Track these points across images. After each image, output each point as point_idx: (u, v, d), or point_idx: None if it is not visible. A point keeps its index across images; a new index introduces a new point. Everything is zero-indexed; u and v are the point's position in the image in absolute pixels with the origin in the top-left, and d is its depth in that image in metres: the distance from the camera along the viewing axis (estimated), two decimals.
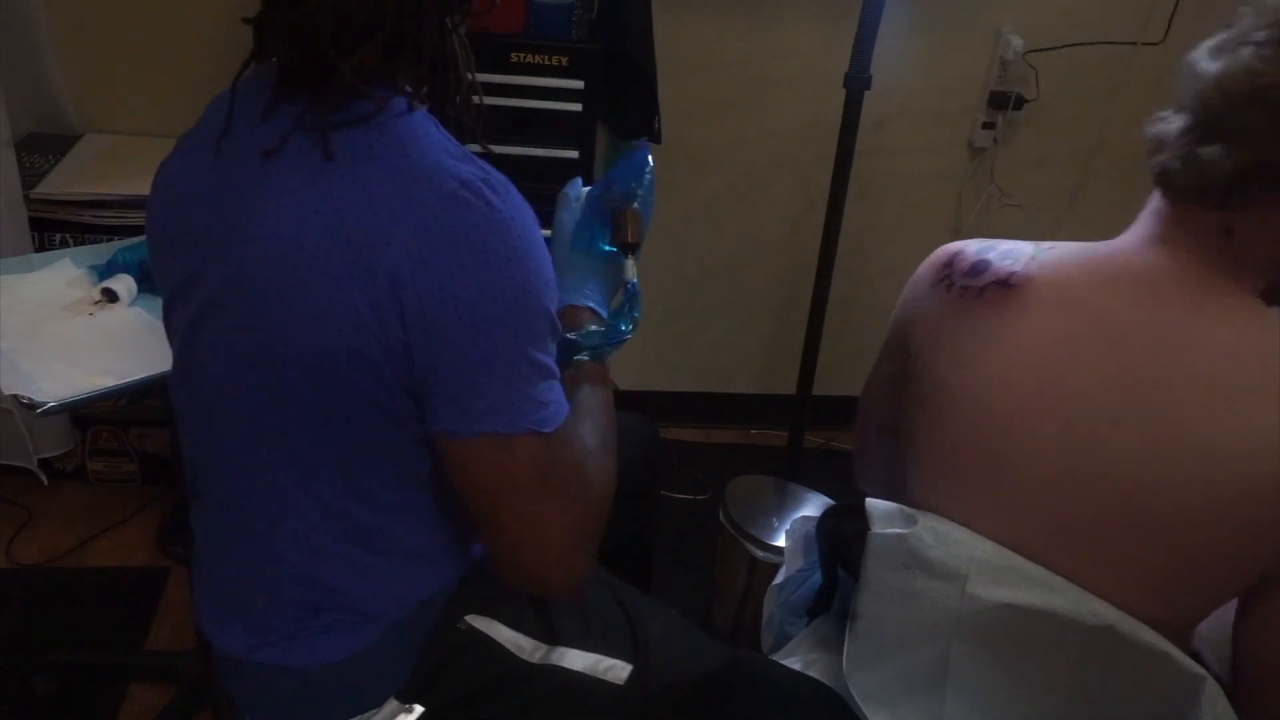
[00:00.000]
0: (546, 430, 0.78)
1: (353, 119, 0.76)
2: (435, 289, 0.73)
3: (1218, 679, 0.85)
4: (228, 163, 0.81)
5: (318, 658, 0.87)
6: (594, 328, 0.99)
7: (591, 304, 1.01)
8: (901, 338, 1.02)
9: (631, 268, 1.02)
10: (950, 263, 0.97)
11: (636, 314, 1.00)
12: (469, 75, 0.86)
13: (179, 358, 0.90)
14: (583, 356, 0.96)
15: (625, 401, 2.50)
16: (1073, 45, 2.07)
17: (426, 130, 0.80)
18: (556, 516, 0.81)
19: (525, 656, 0.93)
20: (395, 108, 0.78)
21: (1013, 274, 0.92)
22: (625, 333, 0.99)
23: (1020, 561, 0.88)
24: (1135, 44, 2.09)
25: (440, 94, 0.84)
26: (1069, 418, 0.86)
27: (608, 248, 1.04)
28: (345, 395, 0.78)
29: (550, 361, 0.80)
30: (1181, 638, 0.87)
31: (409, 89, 0.81)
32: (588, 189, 1.06)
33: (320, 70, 0.76)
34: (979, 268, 0.95)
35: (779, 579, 1.20)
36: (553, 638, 0.94)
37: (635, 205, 1.04)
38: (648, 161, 1.04)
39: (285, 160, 0.77)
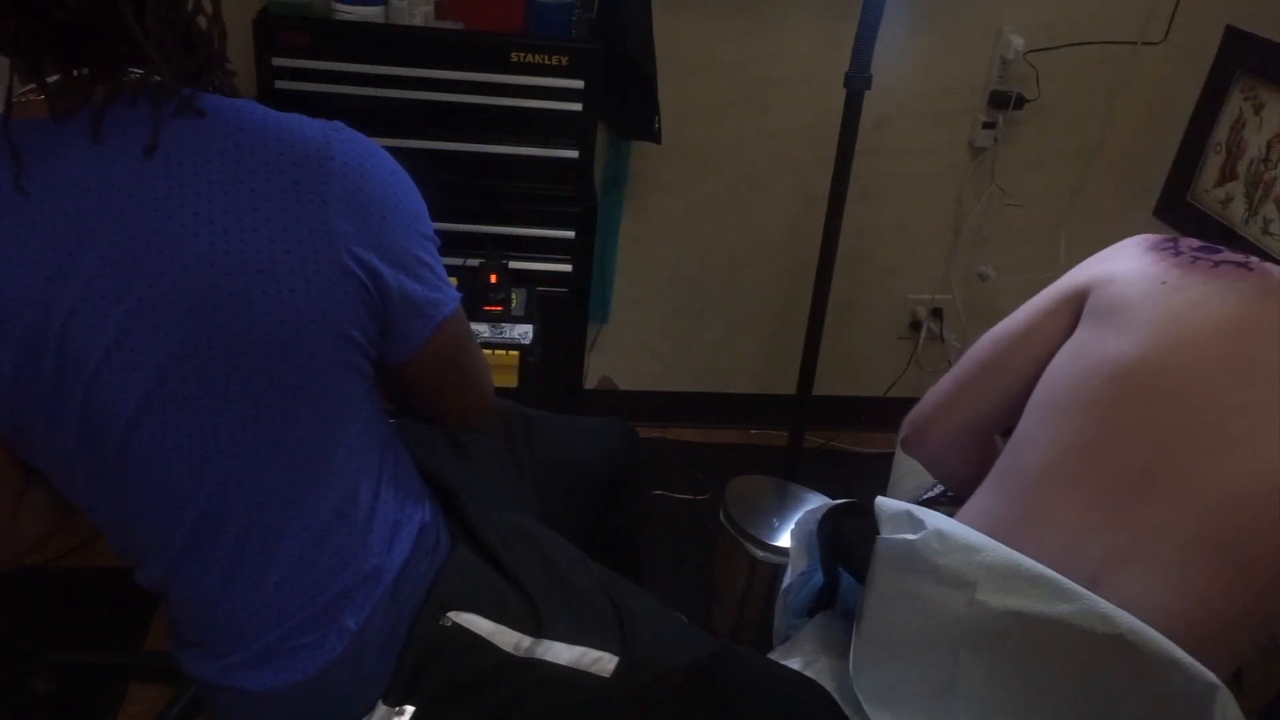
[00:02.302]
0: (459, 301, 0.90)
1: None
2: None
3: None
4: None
5: (288, 677, 0.86)
6: None
7: None
8: (1079, 298, 1.00)
9: None
10: (1175, 240, 0.97)
11: None
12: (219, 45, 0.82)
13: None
14: None
15: (626, 402, 2.48)
16: (1073, 45, 2.07)
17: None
18: (482, 377, 0.99)
19: (510, 650, 0.93)
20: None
21: (1250, 259, 0.92)
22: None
23: (1030, 567, 0.87)
24: (1135, 44, 2.09)
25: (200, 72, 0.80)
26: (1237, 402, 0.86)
27: None
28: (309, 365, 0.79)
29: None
30: (1228, 635, 0.87)
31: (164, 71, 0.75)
32: None
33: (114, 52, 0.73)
34: (1211, 249, 0.95)
35: (786, 582, 1.20)
36: (538, 630, 0.94)
37: None
38: None
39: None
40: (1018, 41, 2.10)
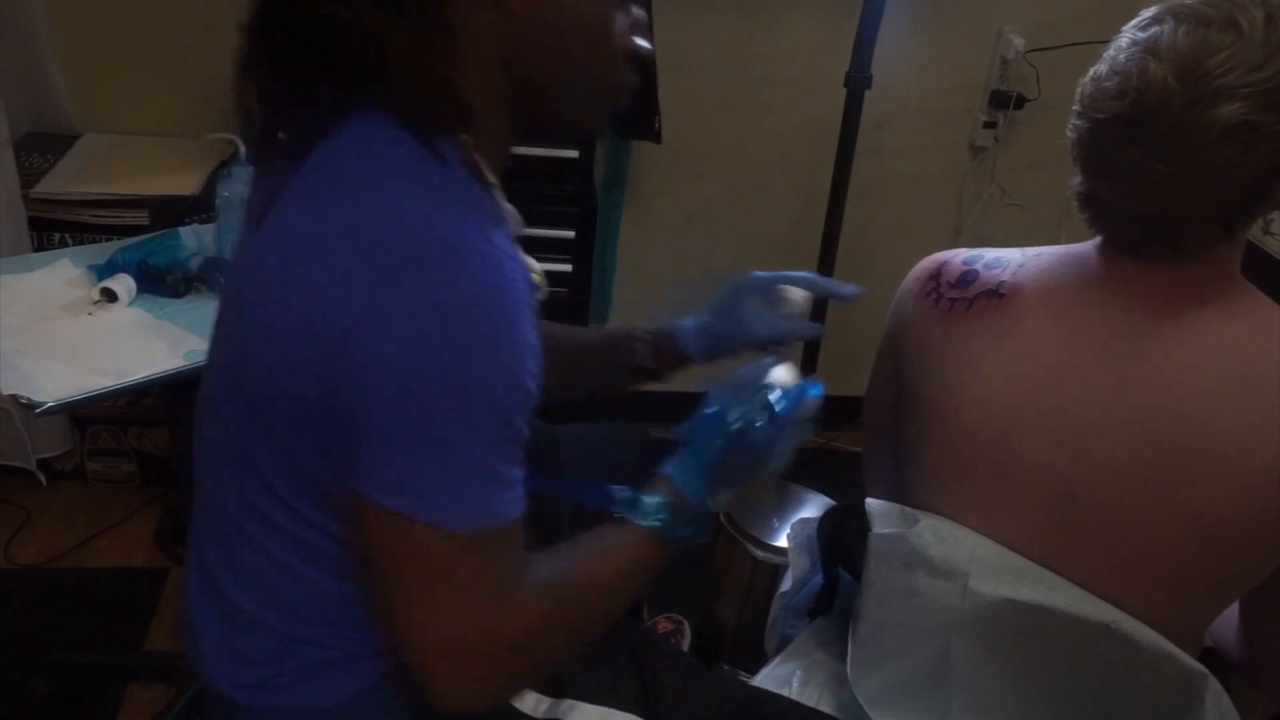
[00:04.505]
0: (449, 527, 0.68)
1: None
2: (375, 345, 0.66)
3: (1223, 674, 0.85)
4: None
5: (309, 700, 0.82)
6: (660, 499, 0.86)
7: (678, 481, 0.88)
8: (893, 349, 1.02)
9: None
10: (937, 274, 0.96)
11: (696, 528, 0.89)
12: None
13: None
14: (646, 522, 0.86)
15: (626, 402, 2.50)
16: (1073, 44, 2.07)
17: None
18: (438, 620, 0.71)
19: (529, 711, 0.89)
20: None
21: (1001, 283, 0.91)
22: (677, 530, 0.87)
23: (1020, 561, 0.88)
24: None
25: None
26: (1065, 429, 0.85)
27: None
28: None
29: (498, 464, 0.70)
30: (1188, 638, 0.87)
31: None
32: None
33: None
34: (967, 278, 0.94)
35: (785, 585, 1.19)
36: (559, 691, 0.90)
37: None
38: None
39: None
40: (1018, 41, 2.10)
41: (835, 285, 1.06)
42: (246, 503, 0.78)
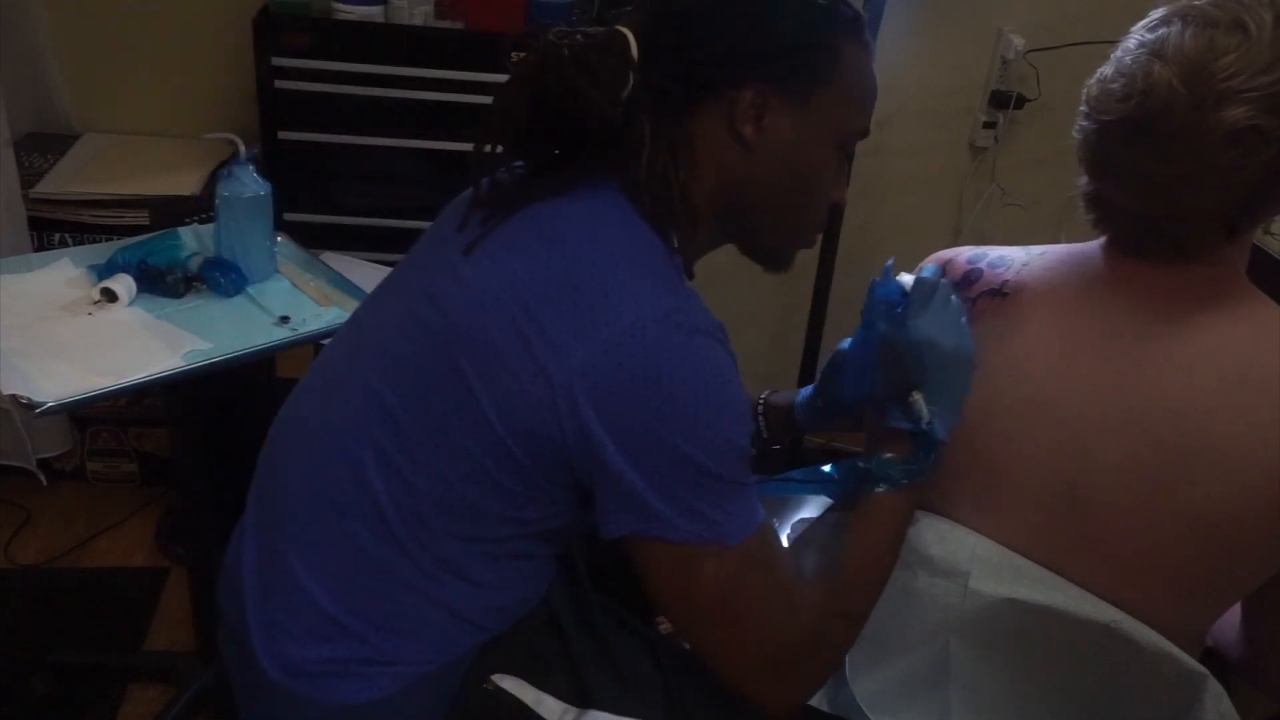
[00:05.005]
0: (731, 542, 0.77)
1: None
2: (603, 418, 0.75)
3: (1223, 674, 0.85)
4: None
5: (338, 696, 0.85)
6: (888, 455, 0.88)
7: (905, 425, 0.88)
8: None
9: (921, 406, 0.86)
10: (941, 273, 0.96)
11: (928, 459, 0.87)
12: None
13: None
14: (880, 488, 0.87)
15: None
16: (1073, 45, 2.07)
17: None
18: (730, 640, 0.80)
19: (554, 719, 0.88)
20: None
21: (1005, 282, 0.91)
22: (917, 471, 0.87)
23: (1020, 561, 0.88)
24: None
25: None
26: (1066, 429, 0.85)
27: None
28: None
29: (732, 476, 0.78)
30: (1189, 638, 0.87)
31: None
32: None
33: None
34: (971, 277, 0.94)
35: None
36: (583, 699, 0.89)
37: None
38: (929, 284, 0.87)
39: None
40: (1018, 41, 2.10)
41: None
42: (376, 518, 0.82)
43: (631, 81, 0.79)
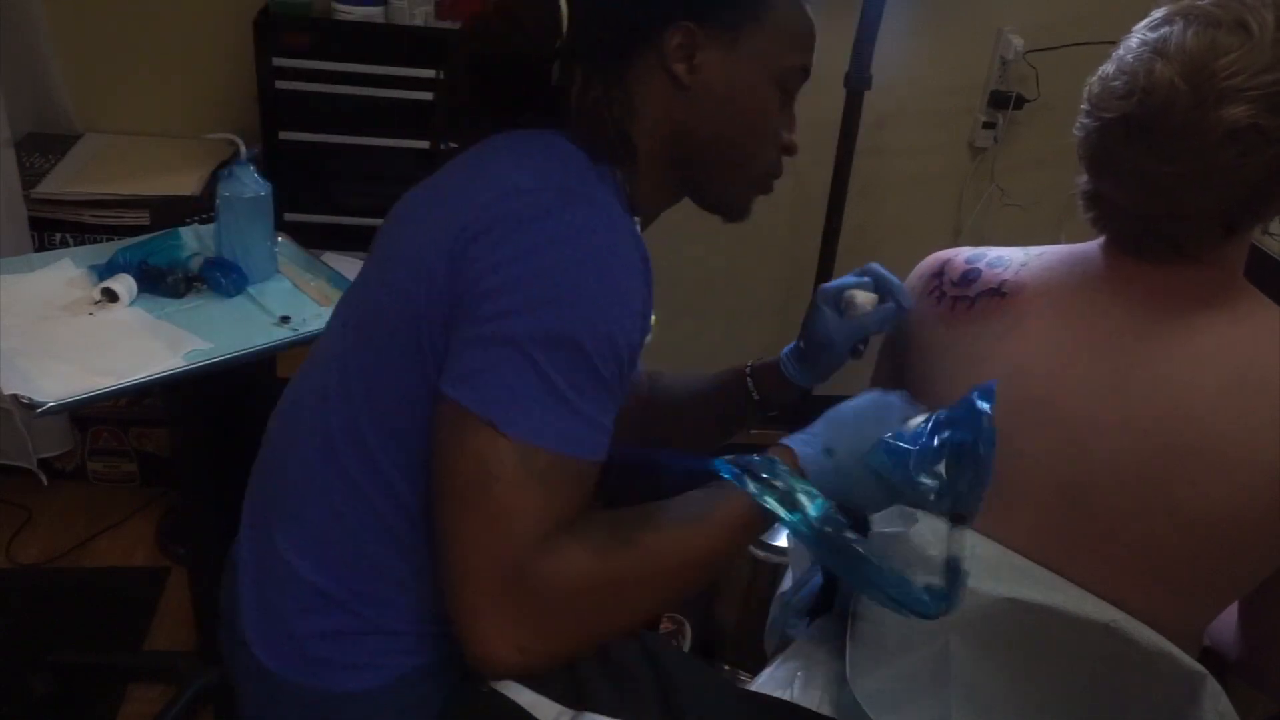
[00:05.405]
0: (507, 431, 0.69)
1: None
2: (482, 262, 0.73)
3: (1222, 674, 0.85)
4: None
5: (335, 684, 0.84)
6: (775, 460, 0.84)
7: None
8: (895, 348, 1.02)
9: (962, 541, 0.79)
10: (940, 272, 0.96)
11: (953, 601, 0.78)
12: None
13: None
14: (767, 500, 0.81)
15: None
16: (1073, 45, 2.07)
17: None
18: (479, 542, 0.70)
19: None
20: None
21: (1004, 282, 0.91)
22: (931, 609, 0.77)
23: (1020, 561, 0.88)
24: None
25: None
26: (1065, 428, 0.85)
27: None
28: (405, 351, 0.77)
29: (576, 396, 0.71)
30: (1188, 637, 0.87)
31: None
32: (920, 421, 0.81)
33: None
34: (969, 276, 0.94)
35: (785, 585, 1.19)
36: (578, 702, 0.88)
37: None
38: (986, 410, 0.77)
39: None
40: (1018, 41, 2.10)
41: (897, 286, 1.02)
42: (340, 470, 0.82)
43: (564, 33, 0.81)
